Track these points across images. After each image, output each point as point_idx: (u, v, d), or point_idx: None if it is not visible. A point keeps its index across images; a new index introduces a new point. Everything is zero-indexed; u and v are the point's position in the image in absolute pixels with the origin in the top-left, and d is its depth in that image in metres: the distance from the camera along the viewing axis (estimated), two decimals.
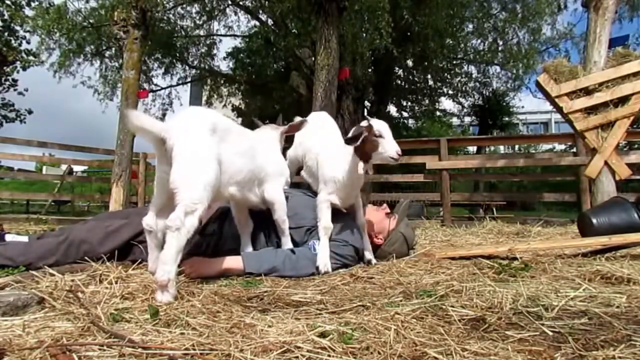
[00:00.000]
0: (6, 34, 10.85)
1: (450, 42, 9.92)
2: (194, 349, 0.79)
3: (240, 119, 12.56)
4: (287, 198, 1.83)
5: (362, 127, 1.58)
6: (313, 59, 7.57)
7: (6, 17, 10.53)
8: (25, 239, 1.65)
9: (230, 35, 11.37)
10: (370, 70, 8.10)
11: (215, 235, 1.73)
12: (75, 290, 1.17)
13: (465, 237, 3.08)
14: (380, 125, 1.58)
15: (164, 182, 1.29)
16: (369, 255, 1.88)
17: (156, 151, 1.33)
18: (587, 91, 3.18)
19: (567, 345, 0.82)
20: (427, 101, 13.27)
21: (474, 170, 8.10)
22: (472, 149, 18.09)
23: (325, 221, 1.69)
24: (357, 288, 1.42)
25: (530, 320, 0.98)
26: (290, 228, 1.75)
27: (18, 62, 11.19)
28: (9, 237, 1.62)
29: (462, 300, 1.16)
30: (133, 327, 0.93)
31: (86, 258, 1.52)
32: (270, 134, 1.83)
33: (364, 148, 1.59)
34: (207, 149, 1.32)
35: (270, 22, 9.90)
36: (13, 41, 11.03)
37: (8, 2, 10.17)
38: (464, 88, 12.52)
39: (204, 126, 1.34)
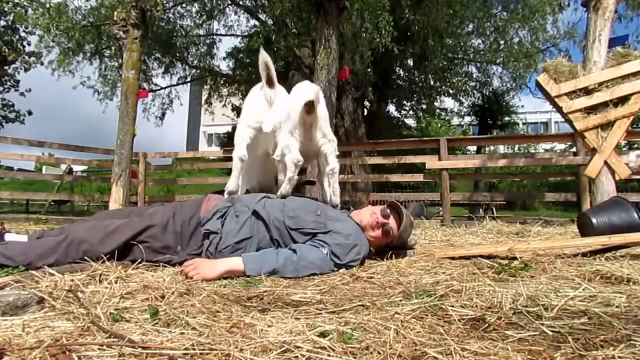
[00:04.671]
0: (8, 33, 10.83)
1: (451, 41, 9.90)
2: (194, 349, 0.79)
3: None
4: (291, 200, 1.83)
5: None
6: (313, 59, 7.56)
7: (10, 17, 10.50)
8: (25, 238, 1.64)
9: (230, 35, 11.35)
10: (370, 69, 8.07)
11: (217, 235, 1.72)
12: (75, 290, 1.17)
13: (465, 237, 3.08)
14: None
15: None
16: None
17: None
18: (587, 91, 3.18)
19: (567, 345, 0.82)
20: (427, 101, 13.25)
21: (474, 170, 8.10)
22: (472, 149, 18.13)
23: None
24: (357, 288, 1.42)
25: (530, 320, 0.98)
26: (291, 229, 1.74)
27: (18, 63, 11.18)
28: (8, 236, 1.62)
29: (462, 300, 1.16)
30: (133, 327, 0.93)
31: (86, 258, 1.52)
32: None
33: None
34: None
35: (270, 22, 9.88)
36: (16, 42, 11.01)
37: (14, 2, 10.14)
38: (464, 88, 12.50)
39: None
